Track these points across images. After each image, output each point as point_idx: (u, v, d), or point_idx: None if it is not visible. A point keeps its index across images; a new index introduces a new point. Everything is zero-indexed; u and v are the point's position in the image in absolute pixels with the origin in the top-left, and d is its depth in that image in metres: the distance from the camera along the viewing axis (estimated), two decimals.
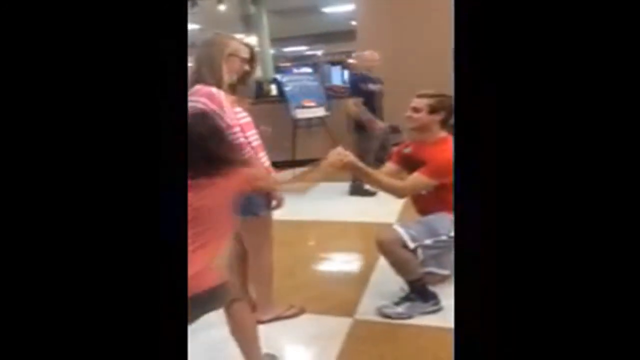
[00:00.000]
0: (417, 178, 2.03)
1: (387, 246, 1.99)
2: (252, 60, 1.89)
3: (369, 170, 1.96)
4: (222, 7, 8.55)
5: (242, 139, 1.74)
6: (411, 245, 1.96)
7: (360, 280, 2.48)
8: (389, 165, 2.28)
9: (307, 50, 15.93)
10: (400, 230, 1.99)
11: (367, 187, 4.24)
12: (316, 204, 4.18)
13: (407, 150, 2.22)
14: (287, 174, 5.47)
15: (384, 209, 3.67)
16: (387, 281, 2.30)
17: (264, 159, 1.85)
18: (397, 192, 2.10)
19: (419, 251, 1.99)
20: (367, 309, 2.15)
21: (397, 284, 2.12)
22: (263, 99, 6.17)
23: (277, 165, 1.98)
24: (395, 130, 4.30)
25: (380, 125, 4.18)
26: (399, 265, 2.02)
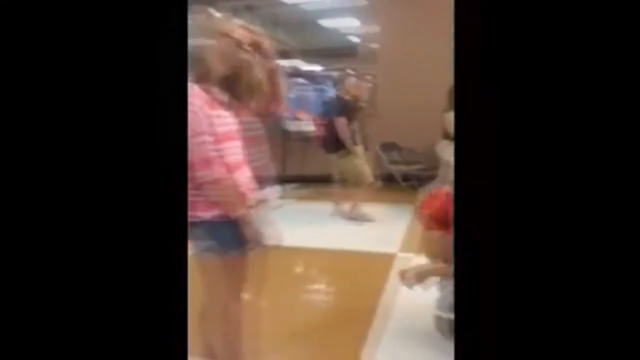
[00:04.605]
0: None
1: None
2: (255, 46, 1.39)
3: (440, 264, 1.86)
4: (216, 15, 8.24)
5: (211, 153, 1.29)
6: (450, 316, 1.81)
7: (358, 330, 1.97)
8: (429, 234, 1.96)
9: (303, 65, 15.67)
10: (444, 315, 1.83)
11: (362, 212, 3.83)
12: (304, 228, 3.63)
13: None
14: (277, 189, 5.02)
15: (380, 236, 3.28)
16: (388, 333, 1.82)
17: (244, 177, 1.40)
18: None
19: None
20: None
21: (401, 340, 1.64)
22: None
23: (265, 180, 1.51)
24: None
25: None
26: None
